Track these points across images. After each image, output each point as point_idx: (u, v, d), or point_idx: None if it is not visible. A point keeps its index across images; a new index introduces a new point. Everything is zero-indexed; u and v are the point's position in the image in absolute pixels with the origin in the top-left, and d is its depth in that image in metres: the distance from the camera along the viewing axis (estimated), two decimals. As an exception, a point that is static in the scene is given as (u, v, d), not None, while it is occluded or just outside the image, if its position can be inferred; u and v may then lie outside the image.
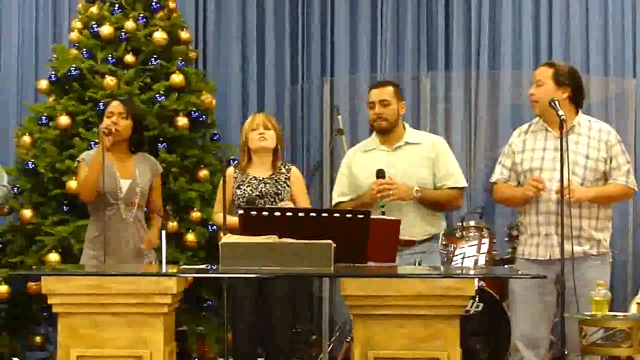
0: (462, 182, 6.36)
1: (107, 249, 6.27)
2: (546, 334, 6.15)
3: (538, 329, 6.04)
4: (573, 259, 5.67)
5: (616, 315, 5.61)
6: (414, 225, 6.15)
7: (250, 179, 6.40)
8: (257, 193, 6.33)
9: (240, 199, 6.32)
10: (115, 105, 6.51)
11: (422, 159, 6.28)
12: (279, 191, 6.38)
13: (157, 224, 6.56)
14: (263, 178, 6.41)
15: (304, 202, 6.51)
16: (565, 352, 5.75)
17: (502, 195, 6.27)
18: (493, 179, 6.29)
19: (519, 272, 5.70)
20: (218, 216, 6.42)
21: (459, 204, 6.56)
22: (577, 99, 6.02)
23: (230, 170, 6.50)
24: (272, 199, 6.33)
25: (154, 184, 6.60)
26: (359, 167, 6.35)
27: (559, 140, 5.74)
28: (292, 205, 6.28)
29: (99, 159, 6.24)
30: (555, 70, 6.01)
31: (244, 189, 6.36)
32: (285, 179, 6.45)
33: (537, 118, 6.14)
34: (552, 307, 6.04)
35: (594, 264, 5.81)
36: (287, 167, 6.58)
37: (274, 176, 6.44)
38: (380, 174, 6.08)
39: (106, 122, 6.38)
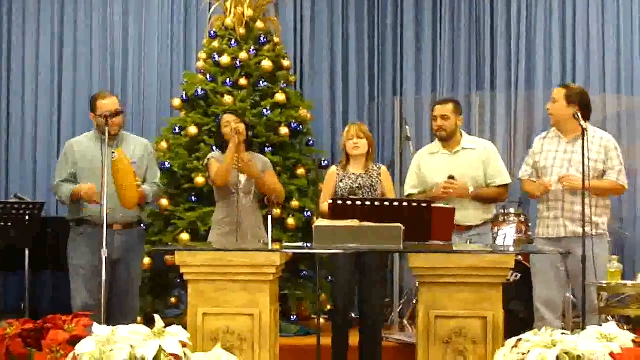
0: (508, 180, 6.40)
1: (231, 228, 6.34)
2: (560, 297, 6.16)
3: (553, 292, 6.04)
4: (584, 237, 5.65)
5: (626, 284, 5.59)
6: (472, 214, 6.21)
7: (350, 174, 6.38)
8: (357, 185, 6.35)
9: (344, 190, 6.32)
10: (228, 116, 6.60)
11: (476, 161, 6.32)
12: (373, 184, 6.36)
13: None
14: (360, 174, 6.39)
15: (391, 193, 6.50)
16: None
17: (525, 189, 6.39)
18: (519, 175, 6.36)
19: (546, 249, 5.79)
20: (324, 205, 6.41)
21: (506, 197, 6.66)
22: (585, 114, 6.01)
23: (334, 168, 6.48)
24: (368, 190, 6.32)
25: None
26: (427, 166, 6.40)
27: (568, 145, 6.03)
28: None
29: (233, 151, 6.30)
30: (567, 91, 6.09)
31: (346, 182, 6.35)
32: (377, 175, 6.40)
33: (553, 128, 6.20)
34: (563, 275, 6.05)
35: (594, 241, 5.75)
36: (377, 166, 6.54)
37: (368, 172, 6.40)
38: (451, 178, 6.15)
39: (233, 126, 6.41)
